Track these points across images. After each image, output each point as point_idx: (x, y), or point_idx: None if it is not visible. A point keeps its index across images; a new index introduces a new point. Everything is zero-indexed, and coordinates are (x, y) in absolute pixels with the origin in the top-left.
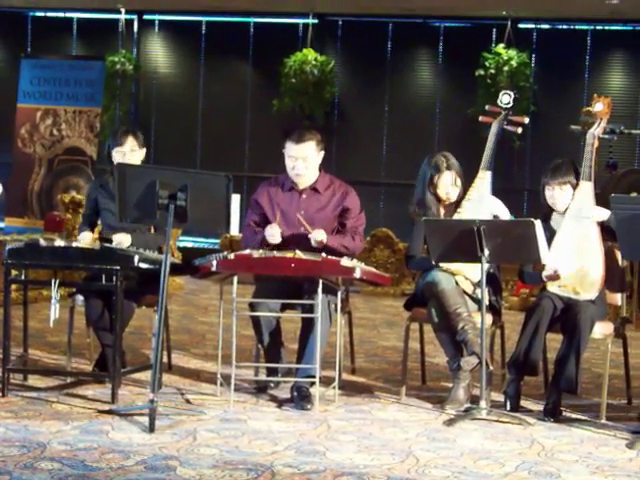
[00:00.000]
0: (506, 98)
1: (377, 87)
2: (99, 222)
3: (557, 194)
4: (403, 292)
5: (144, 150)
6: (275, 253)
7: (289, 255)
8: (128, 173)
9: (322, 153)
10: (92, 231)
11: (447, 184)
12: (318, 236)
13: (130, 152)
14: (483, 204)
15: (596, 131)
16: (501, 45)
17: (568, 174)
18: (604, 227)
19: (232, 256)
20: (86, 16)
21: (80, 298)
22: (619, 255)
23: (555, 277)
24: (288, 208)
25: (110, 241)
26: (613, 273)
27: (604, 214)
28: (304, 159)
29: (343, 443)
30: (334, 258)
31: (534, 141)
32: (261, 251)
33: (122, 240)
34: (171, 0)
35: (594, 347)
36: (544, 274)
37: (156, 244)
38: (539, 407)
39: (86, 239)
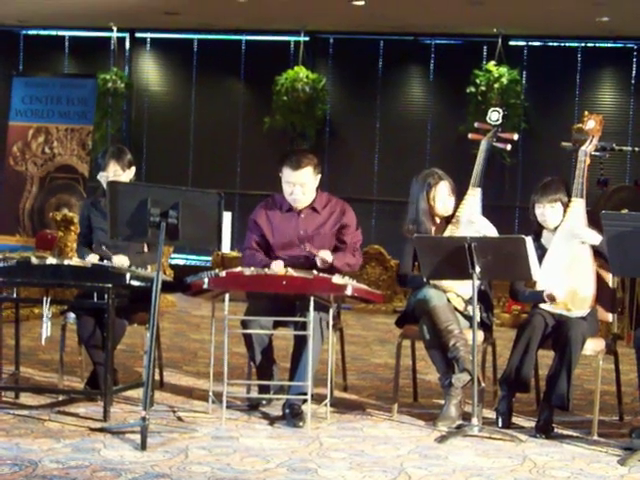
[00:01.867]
0: (495, 115)
1: (368, 104)
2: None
3: (547, 212)
4: (395, 309)
5: (132, 170)
6: (267, 271)
7: (281, 273)
8: (120, 191)
9: (319, 176)
10: (91, 250)
11: (444, 194)
12: (326, 256)
13: (113, 177)
14: (472, 225)
15: (588, 148)
16: (492, 62)
17: (558, 191)
18: (595, 251)
19: (224, 274)
20: (78, 34)
21: (72, 316)
22: (608, 276)
23: (553, 298)
24: (287, 229)
25: (102, 259)
26: (604, 293)
27: (596, 238)
28: (302, 185)
29: (335, 460)
30: (325, 276)
31: (525, 158)
32: (252, 269)
33: (122, 262)
34: (163, 18)
35: (585, 364)
36: (545, 293)
37: (152, 261)
38: (531, 424)
39: (93, 261)
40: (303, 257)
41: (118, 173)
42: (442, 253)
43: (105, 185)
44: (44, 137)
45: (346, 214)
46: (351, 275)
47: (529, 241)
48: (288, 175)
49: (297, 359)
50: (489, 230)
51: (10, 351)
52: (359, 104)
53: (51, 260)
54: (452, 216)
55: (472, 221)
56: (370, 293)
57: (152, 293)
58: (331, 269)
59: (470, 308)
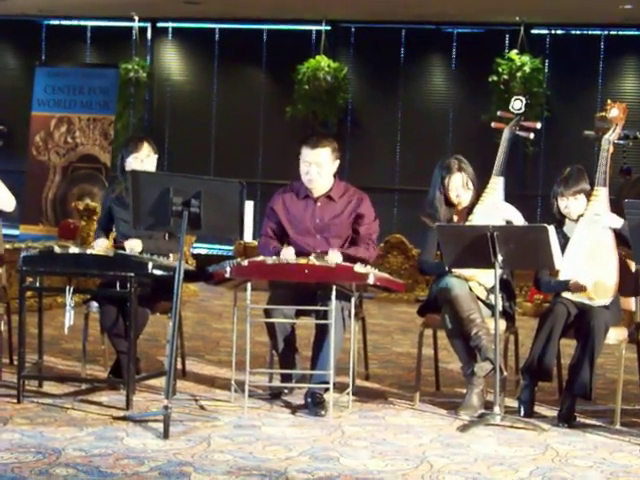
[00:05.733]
0: (518, 104)
1: (390, 93)
2: (113, 229)
3: (571, 204)
4: (417, 298)
5: (157, 156)
6: (287, 259)
7: (303, 261)
8: (142, 180)
9: (337, 162)
10: (107, 237)
11: (457, 186)
12: (334, 259)
13: (147, 157)
14: (496, 210)
15: (611, 137)
16: (514, 51)
17: (580, 182)
18: (618, 234)
19: (246, 263)
20: (100, 24)
21: (95, 305)
22: (632, 264)
23: (582, 288)
24: (303, 216)
25: (124, 249)
26: (626, 278)
27: (617, 222)
28: (318, 165)
29: (357, 449)
30: (348, 264)
31: (548, 146)
32: (275, 257)
33: (134, 246)
34: (184, 8)
35: (608, 353)
36: (572, 283)
37: (168, 250)
38: (553, 413)
39: (101, 245)
40: (319, 245)
41: (150, 154)
42: (464, 242)
43: (137, 168)
44: (66, 127)
45: (362, 204)
46: (373, 264)
47: (552, 230)
48: (305, 154)
49: (319, 348)
50: (514, 215)
51: (33, 340)
52: (381, 93)
53: (74, 249)
54: (474, 205)
55: (491, 210)
56: (392, 282)
57: (174, 282)
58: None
59: (492, 297)
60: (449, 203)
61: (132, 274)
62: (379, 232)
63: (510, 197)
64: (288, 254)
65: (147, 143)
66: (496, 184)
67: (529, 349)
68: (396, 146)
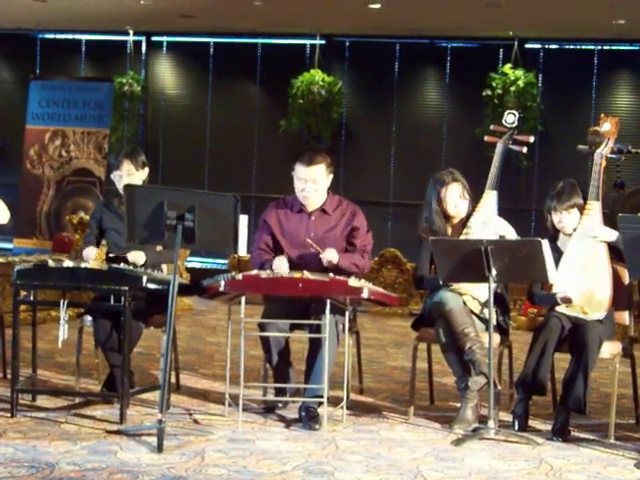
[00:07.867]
0: (511, 118)
1: (384, 107)
2: (103, 242)
3: (565, 218)
4: (411, 312)
5: (146, 170)
6: (283, 273)
7: (297, 275)
8: (136, 194)
9: (331, 176)
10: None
11: (455, 196)
12: (329, 256)
13: (126, 176)
14: (489, 225)
15: (604, 151)
16: (508, 65)
17: (573, 197)
18: (611, 247)
19: (240, 276)
20: (95, 38)
21: (89, 319)
22: (625, 274)
23: (568, 300)
24: (297, 230)
25: (119, 260)
26: (620, 292)
27: (611, 235)
28: (314, 182)
29: (351, 463)
30: (342, 278)
31: (541, 161)
32: (269, 271)
33: (137, 258)
34: (179, 22)
35: (602, 367)
36: (558, 295)
37: (169, 260)
38: (547, 427)
39: (91, 254)
40: (313, 259)
41: (132, 172)
42: (458, 256)
43: (118, 184)
44: (61, 140)
45: (357, 217)
46: (367, 278)
47: (545, 244)
48: (300, 171)
49: (313, 362)
50: (507, 230)
51: (27, 354)
52: (375, 107)
53: (68, 263)
54: (468, 218)
55: (486, 222)
56: (386, 296)
57: (168, 296)
58: (338, 269)
59: (486, 311)
60: (446, 216)
61: (126, 288)
62: (373, 244)
63: (504, 211)
64: (281, 264)
65: (127, 160)
66: (489, 198)
67: (523, 363)
68: (390, 160)
